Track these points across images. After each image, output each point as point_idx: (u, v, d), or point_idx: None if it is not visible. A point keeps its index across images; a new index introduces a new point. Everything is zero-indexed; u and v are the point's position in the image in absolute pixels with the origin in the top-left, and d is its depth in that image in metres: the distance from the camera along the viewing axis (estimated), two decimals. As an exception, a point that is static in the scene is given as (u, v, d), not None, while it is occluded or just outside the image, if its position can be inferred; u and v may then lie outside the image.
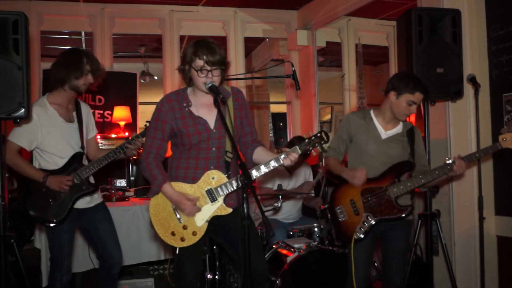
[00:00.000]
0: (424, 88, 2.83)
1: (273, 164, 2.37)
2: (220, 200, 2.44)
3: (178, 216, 2.44)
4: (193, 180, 2.46)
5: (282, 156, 2.35)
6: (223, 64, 2.38)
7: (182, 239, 2.43)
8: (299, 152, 2.37)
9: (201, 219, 2.44)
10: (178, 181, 2.46)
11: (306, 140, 2.39)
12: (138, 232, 4.03)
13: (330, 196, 2.99)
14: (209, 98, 2.44)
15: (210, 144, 2.45)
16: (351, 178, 2.83)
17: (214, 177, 2.44)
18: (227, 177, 2.46)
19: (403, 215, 2.82)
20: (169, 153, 2.59)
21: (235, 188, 2.43)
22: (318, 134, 2.39)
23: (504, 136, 2.83)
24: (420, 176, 2.84)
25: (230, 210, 2.46)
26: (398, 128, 2.93)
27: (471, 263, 3.58)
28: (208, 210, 2.44)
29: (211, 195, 2.43)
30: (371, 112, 2.98)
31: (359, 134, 2.92)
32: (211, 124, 2.47)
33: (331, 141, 3.04)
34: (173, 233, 2.44)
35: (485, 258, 3.27)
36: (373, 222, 2.81)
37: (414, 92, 2.78)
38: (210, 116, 2.48)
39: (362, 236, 2.81)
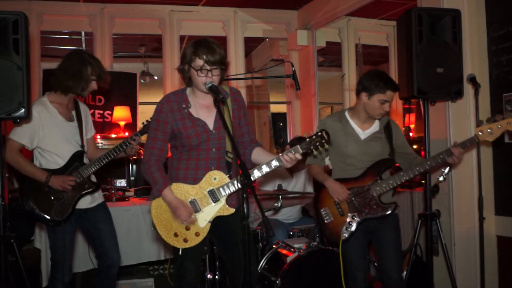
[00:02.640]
0: (395, 85, 2.86)
1: (274, 163, 2.37)
2: (223, 200, 2.44)
3: None
4: (194, 181, 2.45)
5: (284, 156, 2.35)
6: (223, 64, 2.38)
7: (185, 240, 2.43)
8: (301, 151, 2.36)
9: (204, 219, 2.44)
10: (179, 182, 2.45)
11: (307, 140, 2.38)
12: (138, 232, 4.04)
13: (314, 198, 3.01)
14: (208, 99, 2.44)
15: (210, 145, 2.45)
16: (332, 192, 2.86)
17: (216, 178, 2.44)
18: (228, 177, 2.46)
19: (387, 212, 2.84)
20: (168, 154, 2.59)
21: (237, 188, 2.42)
22: (319, 133, 2.38)
23: (480, 129, 2.83)
24: (401, 173, 2.87)
25: (232, 210, 2.46)
26: (375, 126, 2.96)
27: (471, 263, 3.58)
28: (211, 211, 2.44)
29: (213, 196, 2.43)
30: (346, 113, 2.99)
31: (337, 138, 2.92)
32: (210, 125, 2.47)
33: None
34: (176, 234, 2.43)
35: (485, 258, 3.27)
36: (358, 222, 2.84)
37: (385, 91, 2.81)
38: (209, 117, 2.48)
39: (347, 236, 2.82)
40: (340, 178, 2.91)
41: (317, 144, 2.38)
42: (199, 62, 2.34)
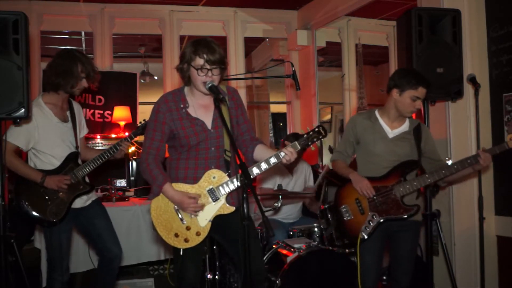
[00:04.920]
0: (427, 82, 2.82)
1: (273, 160, 2.37)
2: (222, 199, 2.44)
3: (180, 217, 2.42)
4: (194, 180, 2.45)
5: (282, 153, 2.36)
6: (222, 63, 2.38)
7: (186, 240, 2.42)
8: (299, 147, 2.38)
9: (204, 219, 2.43)
10: (178, 182, 2.45)
11: (305, 136, 2.40)
12: (138, 232, 4.03)
13: (335, 195, 2.97)
14: (207, 99, 2.46)
15: (209, 144, 2.45)
16: (356, 182, 2.82)
17: (215, 176, 2.44)
18: (227, 175, 2.46)
19: (409, 214, 2.81)
20: (166, 154, 2.59)
21: (236, 186, 2.42)
22: (316, 129, 2.40)
23: (511, 136, 2.82)
24: (427, 175, 2.83)
25: (232, 208, 2.46)
26: (405, 127, 2.92)
27: (471, 263, 3.58)
28: (211, 210, 2.44)
29: (213, 194, 2.43)
30: (376, 112, 2.97)
31: (365, 135, 2.91)
32: (209, 125, 2.47)
33: (338, 144, 3.04)
34: (176, 235, 2.42)
35: (485, 258, 3.27)
36: (379, 221, 2.80)
37: (417, 88, 2.78)
38: (207, 117, 2.48)
39: (366, 236, 2.79)
40: (364, 176, 2.87)
41: (314, 139, 2.40)
42: (200, 61, 2.33)
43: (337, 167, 2.99)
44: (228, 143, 2.47)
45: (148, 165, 2.44)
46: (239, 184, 2.40)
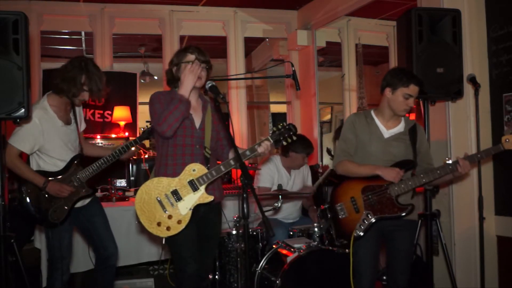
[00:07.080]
0: (418, 80, 2.83)
1: (248, 154, 2.55)
2: (202, 189, 2.58)
3: (163, 206, 2.54)
4: None
5: (256, 146, 2.55)
6: (209, 63, 2.65)
7: (168, 229, 2.54)
8: (271, 141, 2.56)
9: (185, 207, 2.56)
10: (168, 177, 2.57)
11: (276, 132, 2.57)
12: (138, 232, 4.03)
13: (330, 193, 2.98)
14: (194, 101, 2.69)
15: (194, 142, 2.64)
16: (389, 175, 2.77)
17: (195, 169, 2.59)
18: (207, 169, 2.61)
19: (404, 213, 2.81)
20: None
21: (214, 176, 2.56)
22: (287, 126, 2.57)
23: (507, 137, 2.81)
24: (422, 175, 2.83)
25: (211, 197, 2.60)
26: (400, 127, 2.93)
27: (471, 263, 3.58)
28: (191, 199, 2.58)
29: (193, 185, 2.57)
30: (372, 112, 2.98)
31: (362, 134, 2.91)
32: (197, 124, 2.66)
33: (338, 147, 3.03)
34: (158, 224, 2.54)
35: (485, 258, 3.27)
36: (373, 220, 2.80)
37: (408, 85, 2.79)
38: (197, 117, 2.68)
39: (361, 233, 2.80)
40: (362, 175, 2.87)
41: (286, 135, 2.55)
42: (191, 57, 2.61)
43: (348, 167, 2.90)
44: (208, 141, 2.68)
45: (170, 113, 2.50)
46: (218, 174, 2.57)
